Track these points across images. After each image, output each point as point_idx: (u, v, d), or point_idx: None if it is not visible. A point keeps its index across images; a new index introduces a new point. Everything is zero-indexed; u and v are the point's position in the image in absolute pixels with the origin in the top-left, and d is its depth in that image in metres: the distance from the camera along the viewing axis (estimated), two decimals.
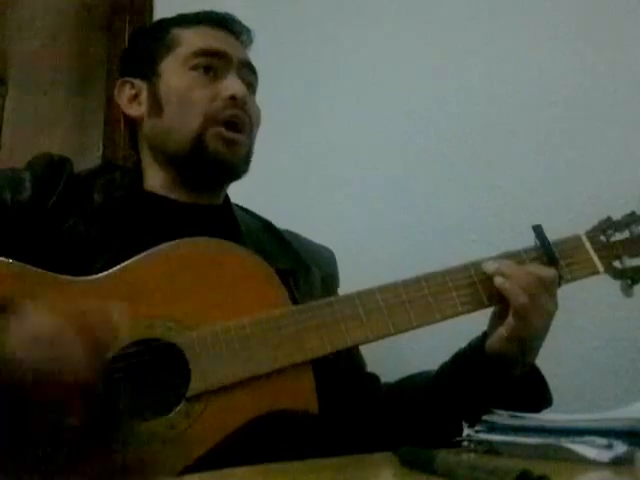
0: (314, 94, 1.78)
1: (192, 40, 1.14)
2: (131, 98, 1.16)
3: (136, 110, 1.15)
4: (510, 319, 0.96)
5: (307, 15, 1.84)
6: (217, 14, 1.19)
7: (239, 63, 1.14)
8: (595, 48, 1.44)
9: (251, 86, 1.17)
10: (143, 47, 1.19)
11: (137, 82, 1.16)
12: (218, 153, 1.09)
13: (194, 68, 1.11)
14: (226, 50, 1.13)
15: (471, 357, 1.03)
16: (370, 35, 1.72)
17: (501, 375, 0.99)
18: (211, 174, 1.12)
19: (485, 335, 1.02)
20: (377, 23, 1.72)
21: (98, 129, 2.04)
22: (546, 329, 0.98)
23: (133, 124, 1.18)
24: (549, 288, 0.96)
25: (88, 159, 1.97)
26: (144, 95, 1.15)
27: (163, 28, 1.18)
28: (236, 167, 1.12)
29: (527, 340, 0.97)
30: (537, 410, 0.99)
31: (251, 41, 1.21)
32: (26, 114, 2.05)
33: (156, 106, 1.12)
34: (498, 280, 0.97)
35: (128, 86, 1.17)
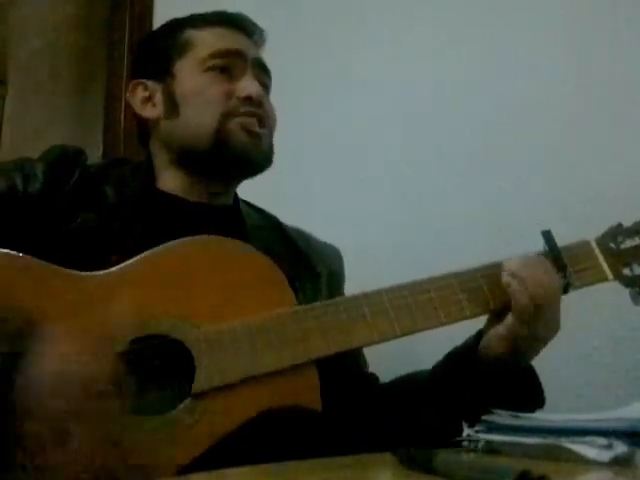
0: (316, 93, 1.78)
1: (206, 41, 1.13)
2: (145, 100, 1.15)
3: (150, 112, 1.15)
4: (509, 319, 0.96)
5: (306, 15, 1.84)
6: (230, 14, 1.18)
7: (253, 63, 1.14)
8: (596, 48, 1.44)
9: (265, 86, 1.17)
10: (156, 48, 1.18)
11: (150, 84, 1.15)
12: (242, 145, 1.08)
13: (209, 69, 1.11)
14: (241, 50, 1.13)
15: (464, 355, 1.03)
16: (372, 35, 1.72)
17: (493, 374, 0.98)
18: (235, 167, 1.12)
19: (479, 334, 1.02)
20: (378, 23, 1.72)
21: (98, 129, 2.04)
22: (548, 336, 0.98)
23: (145, 125, 1.17)
24: (552, 298, 0.96)
25: (88, 158, 1.97)
26: (158, 97, 1.14)
27: (176, 29, 1.17)
28: (260, 158, 1.12)
29: (524, 342, 0.96)
30: (529, 411, 0.99)
31: (264, 41, 1.20)
32: (26, 114, 2.05)
33: (172, 107, 1.12)
34: (505, 278, 0.96)
35: (141, 87, 1.16)
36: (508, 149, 1.50)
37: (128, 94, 1.17)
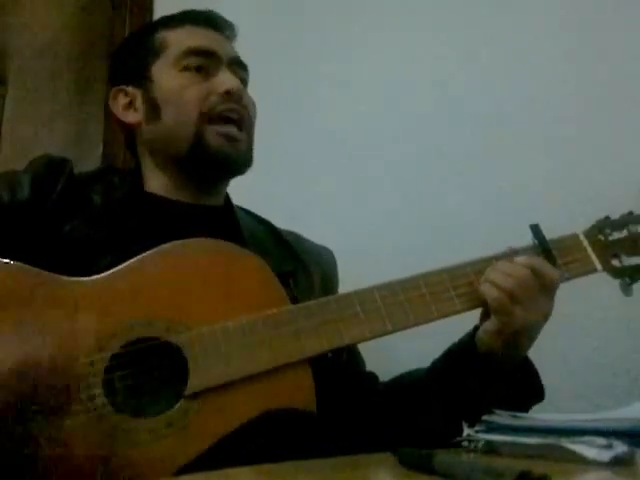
0: (314, 94, 1.78)
1: (179, 41, 1.14)
2: (126, 106, 1.16)
3: (133, 117, 1.15)
4: (492, 314, 0.97)
5: (306, 15, 1.84)
6: (200, 12, 1.19)
7: (229, 60, 1.15)
8: (595, 48, 1.44)
9: (243, 81, 1.17)
10: (131, 54, 1.19)
11: (130, 89, 1.16)
12: (220, 150, 1.09)
13: (185, 69, 1.12)
14: (214, 48, 1.13)
15: (462, 350, 1.04)
16: (371, 34, 1.72)
17: (490, 368, 0.99)
18: (214, 171, 1.12)
19: (476, 329, 1.02)
20: (378, 22, 1.72)
21: (98, 128, 2.04)
22: (534, 325, 0.98)
23: (130, 131, 1.18)
24: (528, 284, 0.97)
25: (88, 159, 1.97)
26: (139, 101, 1.14)
27: (149, 32, 1.18)
28: (239, 162, 1.12)
29: (512, 334, 0.97)
30: (529, 404, 1.00)
31: (235, 35, 1.21)
32: (26, 114, 2.05)
33: (153, 111, 1.12)
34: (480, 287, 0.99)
35: (122, 94, 1.17)
36: (508, 149, 1.50)
37: (110, 101, 1.18)
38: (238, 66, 1.17)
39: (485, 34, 1.57)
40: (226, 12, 1.23)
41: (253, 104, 1.17)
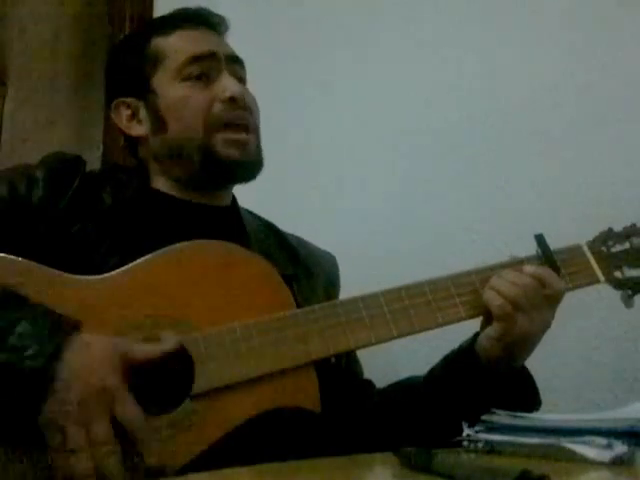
0: (314, 95, 1.78)
1: (177, 49, 1.12)
2: (129, 118, 1.14)
3: (137, 129, 1.14)
4: (494, 321, 0.98)
5: (306, 15, 1.84)
6: (191, 12, 1.17)
7: (227, 59, 1.14)
8: (596, 49, 1.44)
9: (242, 80, 1.16)
10: (128, 64, 1.16)
11: (132, 101, 1.14)
12: (230, 157, 1.08)
13: (186, 78, 1.10)
14: (212, 50, 1.12)
15: (461, 355, 1.04)
16: (370, 37, 1.72)
17: (488, 374, 0.99)
18: (226, 179, 1.12)
19: (476, 336, 1.03)
20: (377, 26, 1.72)
21: (98, 128, 2.04)
22: (535, 334, 0.99)
23: (134, 141, 1.16)
24: (532, 293, 0.97)
25: (88, 159, 1.96)
26: (143, 114, 1.13)
27: (143, 40, 1.15)
28: (251, 166, 1.12)
29: (513, 342, 0.97)
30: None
31: (227, 28, 1.19)
32: (26, 114, 2.05)
33: (159, 123, 1.11)
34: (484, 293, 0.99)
35: (123, 106, 1.15)
36: (508, 149, 1.50)
37: (112, 114, 1.16)
38: (236, 63, 1.16)
39: (486, 34, 1.57)
40: (224, 10, 1.22)
41: (255, 102, 1.16)
